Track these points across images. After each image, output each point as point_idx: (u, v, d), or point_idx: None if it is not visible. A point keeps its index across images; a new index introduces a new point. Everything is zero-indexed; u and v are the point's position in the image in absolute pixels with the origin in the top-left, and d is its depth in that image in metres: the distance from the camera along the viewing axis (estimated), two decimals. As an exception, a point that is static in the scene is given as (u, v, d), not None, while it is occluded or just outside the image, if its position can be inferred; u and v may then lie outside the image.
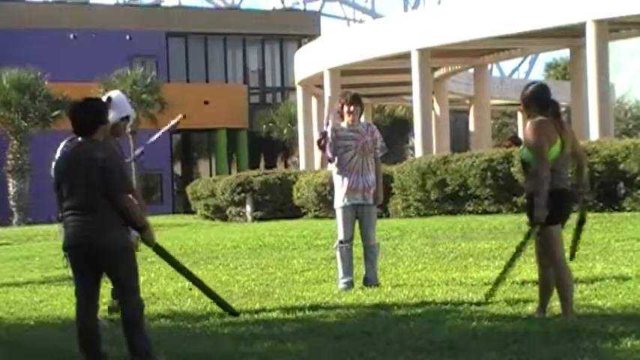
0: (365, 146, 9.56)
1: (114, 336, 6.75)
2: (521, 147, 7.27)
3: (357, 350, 6.24)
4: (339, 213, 9.64)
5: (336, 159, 9.60)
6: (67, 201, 6.19)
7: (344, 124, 9.63)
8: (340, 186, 9.60)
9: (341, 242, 9.60)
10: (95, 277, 6.30)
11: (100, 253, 6.12)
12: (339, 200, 9.61)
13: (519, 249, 7.38)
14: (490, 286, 7.97)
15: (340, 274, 9.61)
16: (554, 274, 7.05)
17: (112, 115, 8.11)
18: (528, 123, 7.08)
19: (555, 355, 5.79)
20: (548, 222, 6.94)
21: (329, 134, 9.60)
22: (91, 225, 6.10)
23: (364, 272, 9.64)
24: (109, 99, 8.36)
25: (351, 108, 9.56)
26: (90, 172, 6.09)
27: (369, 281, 9.54)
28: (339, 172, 9.62)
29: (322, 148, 9.69)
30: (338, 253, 9.63)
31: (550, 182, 6.88)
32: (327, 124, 9.66)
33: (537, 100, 7.07)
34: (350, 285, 9.50)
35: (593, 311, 7.35)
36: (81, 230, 6.13)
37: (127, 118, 8.57)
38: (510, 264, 7.60)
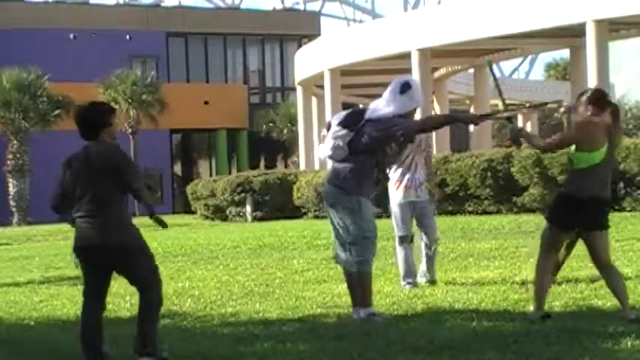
0: (420, 144, 9.47)
1: (114, 336, 6.75)
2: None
3: (357, 350, 6.23)
4: (396, 210, 9.52)
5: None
6: (78, 203, 6.22)
7: None
8: (395, 183, 9.50)
9: (401, 238, 9.51)
10: (105, 278, 6.33)
11: (114, 253, 6.15)
12: (396, 198, 9.50)
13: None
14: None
15: (401, 272, 9.48)
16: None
17: (409, 104, 7.25)
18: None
19: (555, 355, 5.79)
20: (556, 224, 6.93)
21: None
22: (103, 226, 6.14)
23: (424, 268, 9.59)
24: (408, 85, 7.22)
25: None
26: (101, 173, 6.14)
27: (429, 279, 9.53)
28: (394, 171, 9.46)
29: None
30: (400, 252, 9.47)
31: (584, 189, 6.70)
32: None
33: (594, 101, 6.84)
34: (414, 285, 9.35)
35: (593, 311, 7.35)
36: (93, 231, 6.17)
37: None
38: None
